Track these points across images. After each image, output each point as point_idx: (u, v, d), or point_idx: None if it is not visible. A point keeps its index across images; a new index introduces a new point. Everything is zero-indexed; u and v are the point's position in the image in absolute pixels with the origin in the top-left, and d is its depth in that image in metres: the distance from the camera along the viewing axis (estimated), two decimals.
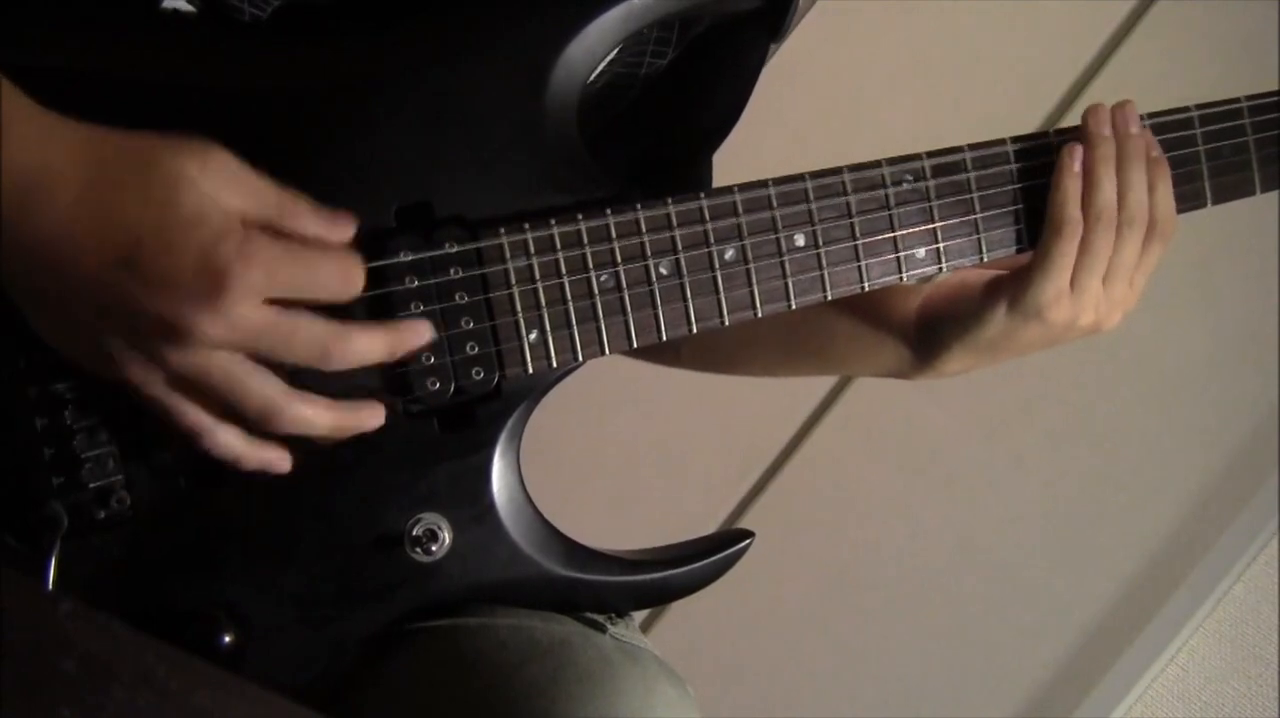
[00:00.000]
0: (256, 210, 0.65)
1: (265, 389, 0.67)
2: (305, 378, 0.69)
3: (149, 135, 0.65)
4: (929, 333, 0.89)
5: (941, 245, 0.82)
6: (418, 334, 0.72)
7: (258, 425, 0.69)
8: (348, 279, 0.68)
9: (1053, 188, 0.82)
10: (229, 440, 0.69)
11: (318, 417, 0.70)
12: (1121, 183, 0.82)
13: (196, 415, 0.68)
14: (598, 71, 0.82)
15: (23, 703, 0.47)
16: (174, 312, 0.63)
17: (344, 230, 0.70)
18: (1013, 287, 0.83)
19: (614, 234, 0.76)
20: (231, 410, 0.68)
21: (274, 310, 0.65)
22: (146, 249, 0.62)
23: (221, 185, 0.64)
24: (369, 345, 0.70)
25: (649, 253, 0.77)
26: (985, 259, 0.84)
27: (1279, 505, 1.66)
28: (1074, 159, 0.82)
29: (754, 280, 0.79)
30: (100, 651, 0.49)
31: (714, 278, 0.78)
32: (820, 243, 0.80)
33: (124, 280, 0.62)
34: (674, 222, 0.77)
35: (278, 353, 0.66)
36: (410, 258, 0.73)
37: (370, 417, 0.73)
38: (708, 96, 0.95)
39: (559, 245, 0.75)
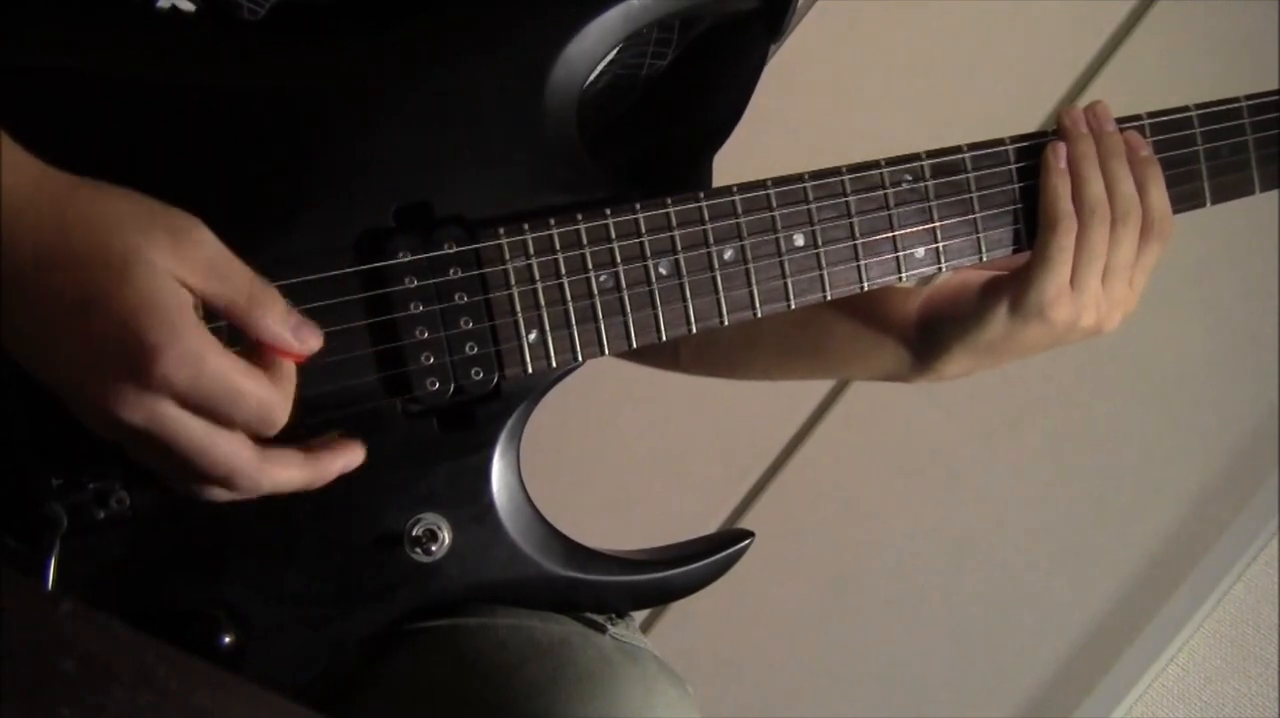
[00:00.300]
0: (225, 297, 0.63)
1: (232, 454, 0.65)
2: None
3: (133, 198, 0.63)
4: (929, 334, 0.89)
5: (941, 245, 0.82)
6: (345, 458, 0.70)
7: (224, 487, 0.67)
8: (267, 420, 0.65)
9: (1041, 187, 0.83)
10: (185, 488, 0.68)
11: (291, 478, 0.68)
12: (1108, 177, 0.82)
13: (146, 459, 0.66)
14: (598, 72, 0.82)
15: (23, 703, 0.47)
16: (98, 385, 0.61)
17: (311, 342, 0.67)
18: (1013, 286, 0.83)
19: (613, 234, 0.76)
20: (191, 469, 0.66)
21: (195, 420, 0.63)
22: (90, 316, 0.60)
23: (191, 268, 0.62)
24: (285, 477, 0.67)
25: (648, 253, 0.77)
26: (985, 259, 0.84)
27: (1279, 505, 1.66)
28: (1058, 157, 0.83)
29: (753, 280, 0.79)
30: (100, 651, 0.49)
31: (713, 278, 0.78)
32: (819, 243, 0.80)
33: (66, 339, 0.61)
34: (673, 222, 0.77)
35: (179, 462, 0.64)
36: (409, 258, 0.73)
37: (350, 457, 0.71)
38: (708, 97, 0.95)
39: (558, 246, 0.75)
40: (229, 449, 0.65)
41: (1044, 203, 0.82)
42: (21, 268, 0.61)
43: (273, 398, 0.65)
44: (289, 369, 0.67)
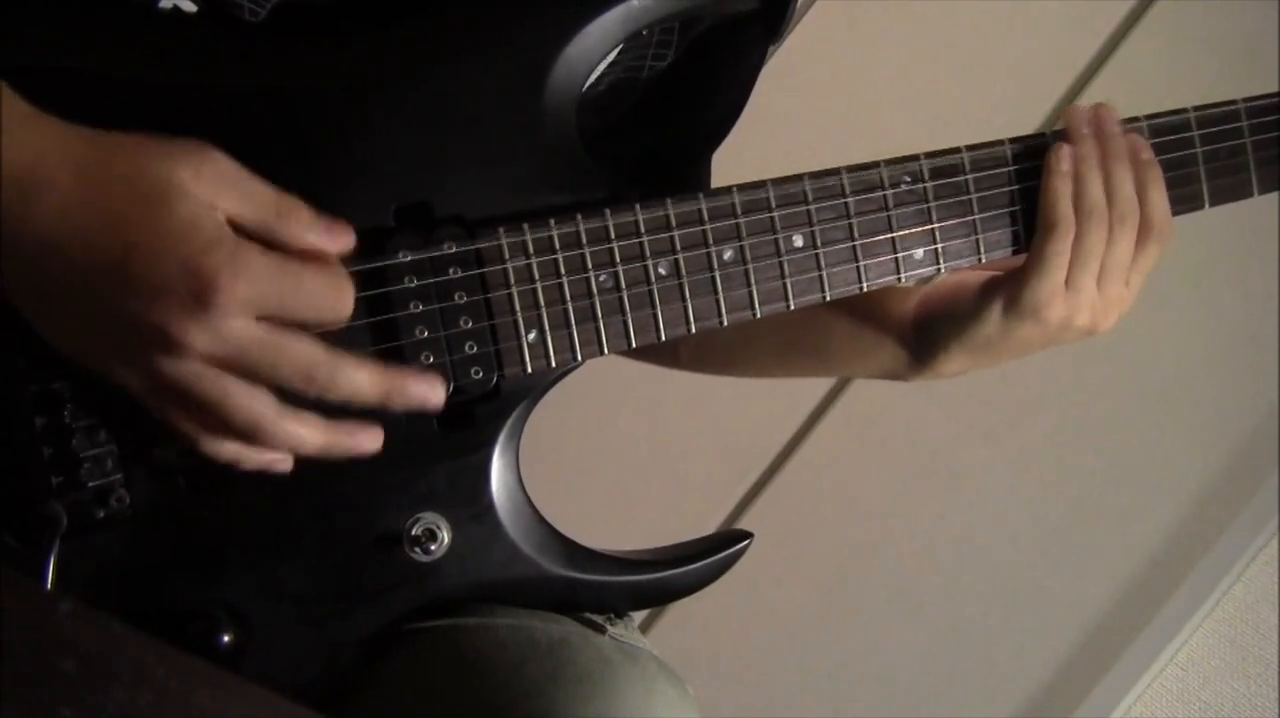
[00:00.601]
0: (252, 215, 0.65)
1: (253, 405, 0.66)
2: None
3: (145, 139, 0.64)
4: (926, 333, 0.89)
5: (940, 246, 0.82)
6: (426, 387, 0.71)
7: (245, 441, 0.68)
8: (338, 299, 0.67)
9: (1042, 189, 0.83)
10: (226, 447, 0.68)
11: (309, 436, 0.68)
12: (1109, 180, 0.82)
13: (188, 423, 0.67)
14: (598, 73, 0.82)
15: (23, 703, 0.47)
16: (161, 321, 0.62)
17: (342, 240, 0.69)
18: (1009, 286, 0.83)
19: (613, 234, 0.76)
20: (219, 424, 0.67)
21: (264, 327, 0.64)
22: (135, 256, 0.62)
23: (216, 190, 0.63)
24: (362, 379, 0.68)
25: (648, 253, 0.77)
26: (983, 260, 0.84)
27: (1279, 505, 1.66)
28: (1061, 159, 0.83)
29: (753, 281, 0.79)
30: (100, 651, 0.50)
31: (713, 278, 0.78)
32: (819, 244, 0.80)
33: (114, 286, 0.62)
34: (673, 222, 0.77)
35: (264, 372, 0.65)
36: (409, 258, 0.73)
37: (367, 440, 0.71)
38: (707, 97, 0.95)
39: (558, 246, 0.76)
40: (309, 351, 0.65)
41: (1044, 204, 0.82)
42: (53, 220, 0.62)
43: (336, 282, 0.67)
44: (336, 262, 0.68)
